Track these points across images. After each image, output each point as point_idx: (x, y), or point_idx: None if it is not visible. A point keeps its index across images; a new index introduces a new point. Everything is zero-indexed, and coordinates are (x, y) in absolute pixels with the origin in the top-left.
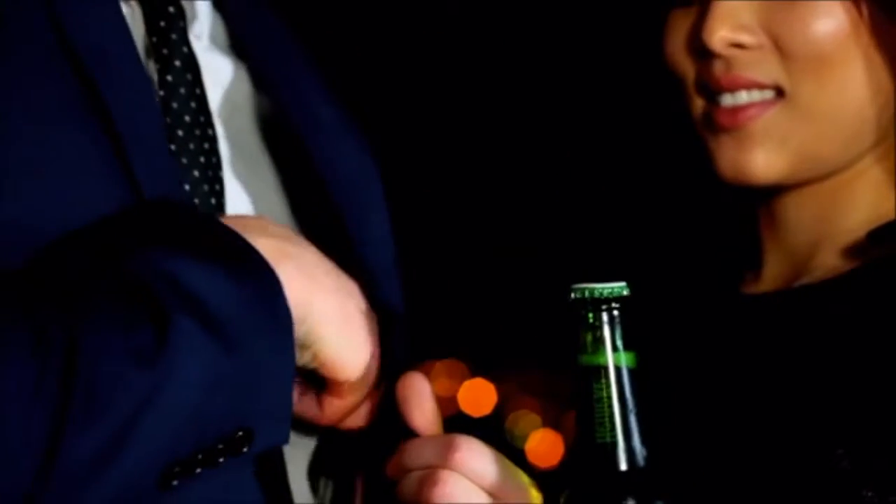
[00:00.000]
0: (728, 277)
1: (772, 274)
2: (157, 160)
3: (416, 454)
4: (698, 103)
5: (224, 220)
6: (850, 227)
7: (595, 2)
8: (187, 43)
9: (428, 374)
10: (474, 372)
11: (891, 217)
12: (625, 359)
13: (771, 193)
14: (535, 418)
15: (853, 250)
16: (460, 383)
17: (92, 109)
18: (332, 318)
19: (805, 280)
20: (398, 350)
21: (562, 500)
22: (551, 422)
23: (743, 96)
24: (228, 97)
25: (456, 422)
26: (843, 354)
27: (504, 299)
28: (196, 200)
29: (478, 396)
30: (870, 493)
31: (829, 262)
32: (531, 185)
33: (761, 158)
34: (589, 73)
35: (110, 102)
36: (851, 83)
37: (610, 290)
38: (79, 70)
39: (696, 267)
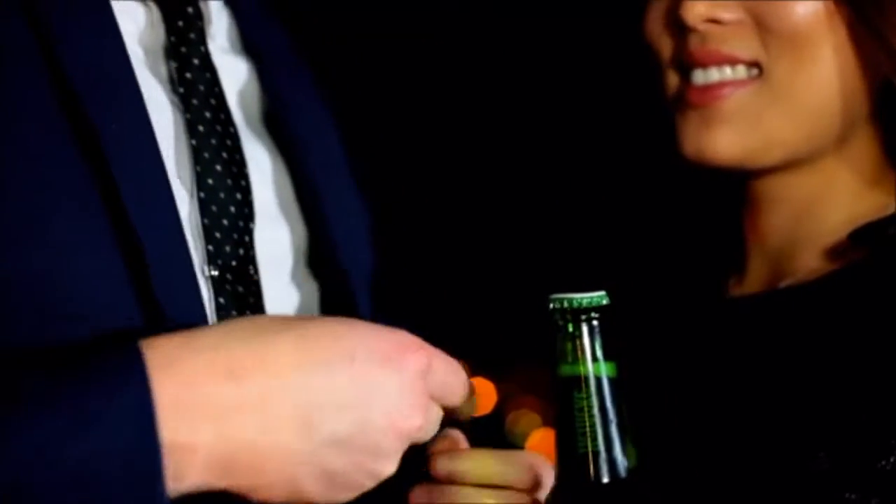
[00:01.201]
0: (712, 280)
1: (755, 276)
2: (146, 181)
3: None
4: (672, 80)
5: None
6: (830, 229)
7: None
8: (204, 43)
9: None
10: (475, 371)
11: (869, 217)
12: (605, 368)
13: (748, 189)
14: (534, 417)
15: (834, 251)
16: None
17: (80, 135)
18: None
19: (788, 282)
20: None
21: None
22: (551, 421)
23: (714, 74)
24: (243, 97)
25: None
26: (825, 356)
27: (504, 300)
28: (221, 195)
29: (478, 395)
30: (853, 496)
31: (811, 263)
32: (517, 186)
33: (725, 138)
34: (569, 75)
35: (100, 126)
36: (825, 67)
37: (589, 301)
38: (66, 90)
39: (679, 269)
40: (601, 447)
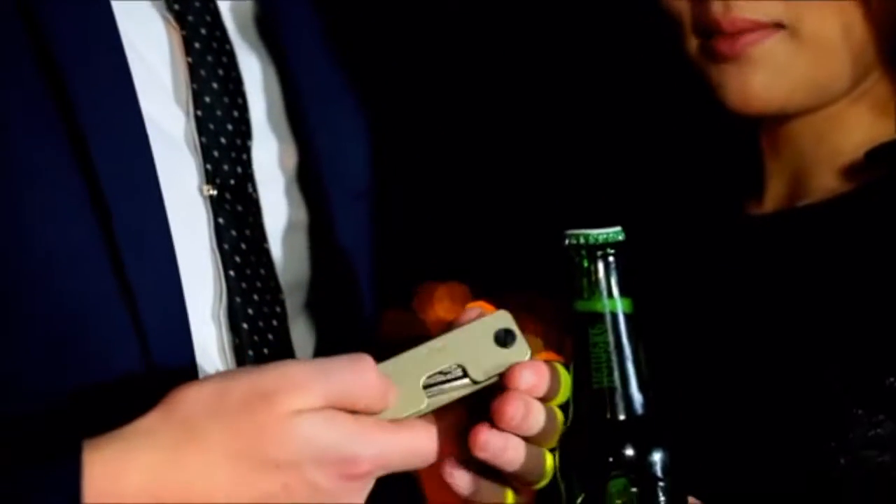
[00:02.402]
0: (730, 199)
1: (773, 196)
2: (124, 164)
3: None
4: (693, 42)
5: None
6: (849, 149)
7: None
8: (212, 14)
9: (430, 297)
10: (476, 295)
11: (885, 139)
12: (621, 304)
13: (773, 119)
14: (536, 342)
15: (852, 171)
16: (462, 306)
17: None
18: None
19: (805, 201)
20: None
21: (558, 444)
22: (553, 345)
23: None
24: (238, 13)
25: None
26: (841, 273)
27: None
28: (218, 113)
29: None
30: (860, 411)
31: (828, 183)
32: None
33: (764, 85)
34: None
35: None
36: (848, 17)
37: (605, 236)
38: (49, 68)
39: (697, 191)
40: (617, 383)
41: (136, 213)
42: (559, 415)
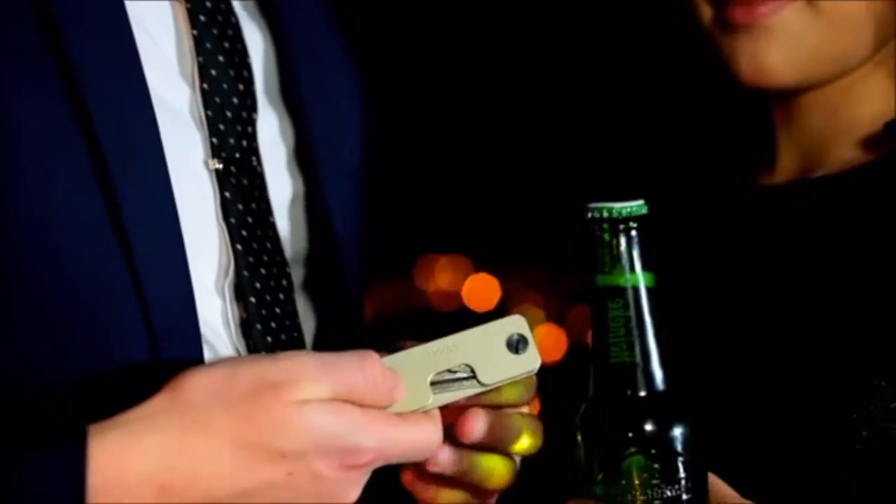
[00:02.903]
0: (741, 171)
1: (786, 166)
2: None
3: None
4: (707, 11)
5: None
6: (865, 120)
7: None
8: None
9: (432, 269)
10: (479, 266)
11: None
12: (643, 279)
13: (786, 91)
14: (538, 312)
15: (869, 142)
16: (464, 278)
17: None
18: None
19: (820, 172)
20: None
21: (577, 420)
22: (555, 316)
23: None
24: (250, 41)
25: (460, 316)
26: (856, 244)
27: (510, 194)
28: (224, 86)
29: (482, 291)
30: (882, 383)
31: (844, 154)
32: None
33: (778, 57)
34: None
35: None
36: None
37: (628, 210)
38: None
39: (709, 163)
40: (637, 358)
41: (141, 188)
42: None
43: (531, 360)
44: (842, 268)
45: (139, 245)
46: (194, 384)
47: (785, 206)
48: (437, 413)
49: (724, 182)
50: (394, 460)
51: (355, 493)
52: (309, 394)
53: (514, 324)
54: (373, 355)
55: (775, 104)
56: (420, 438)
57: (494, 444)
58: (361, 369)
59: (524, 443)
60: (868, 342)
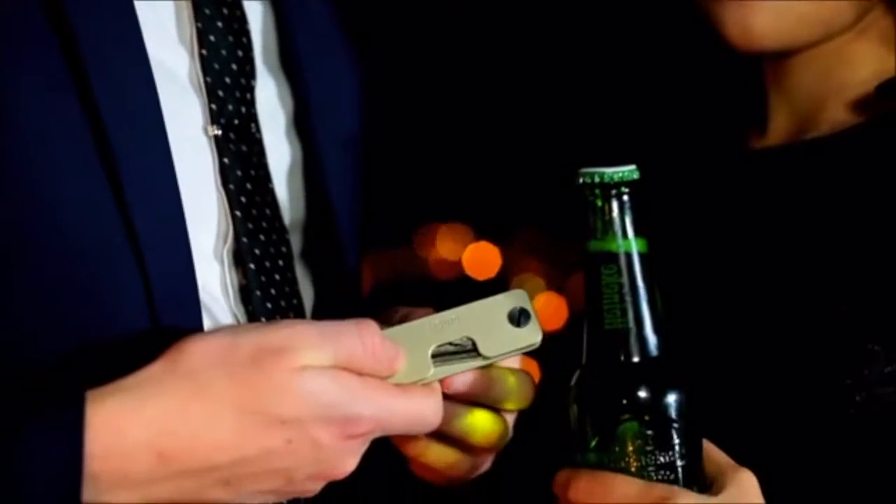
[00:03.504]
0: (733, 133)
1: (777, 129)
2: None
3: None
4: None
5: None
6: (857, 82)
7: None
8: None
9: (433, 237)
10: (479, 235)
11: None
12: (635, 244)
13: (777, 54)
14: (538, 281)
15: (861, 104)
16: (465, 246)
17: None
18: None
19: (813, 134)
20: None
21: (571, 387)
22: (555, 285)
23: None
24: (248, 7)
25: (460, 285)
26: (850, 206)
27: (508, 161)
28: (223, 52)
29: (482, 259)
30: (876, 347)
31: (836, 116)
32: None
33: (766, 21)
34: None
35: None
36: None
37: (620, 175)
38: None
39: (701, 123)
40: (630, 324)
41: (141, 154)
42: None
43: (533, 334)
44: (836, 230)
45: (138, 211)
46: (194, 350)
47: (777, 168)
48: (437, 386)
49: (716, 145)
50: (392, 431)
51: (353, 463)
52: (309, 360)
53: (516, 298)
54: (372, 324)
55: (767, 66)
56: (420, 410)
57: (479, 397)
58: (360, 338)
59: (512, 398)
60: (862, 306)
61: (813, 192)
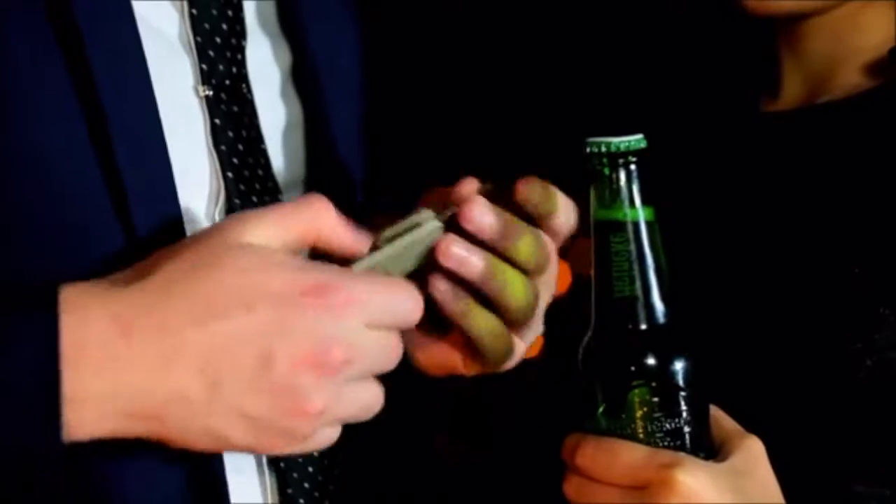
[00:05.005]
0: (746, 98)
1: (791, 93)
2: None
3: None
4: None
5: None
6: (870, 47)
7: None
8: None
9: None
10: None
11: None
12: (643, 213)
13: (789, 19)
14: None
15: (875, 68)
16: None
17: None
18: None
19: (825, 98)
20: None
21: (579, 355)
22: (559, 250)
23: None
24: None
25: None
26: (863, 171)
27: (516, 126)
28: (213, 12)
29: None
30: (886, 311)
31: (850, 80)
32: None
33: None
34: None
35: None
36: None
37: (627, 144)
38: None
39: (714, 89)
40: (639, 292)
41: (130, 114)
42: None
43: None
44: (848, 193)
45: (128, 171)
46: (158, 256)
47: (791, 132)
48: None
49: (729, 110)
50: (374, 314)
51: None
52: (259, 237)
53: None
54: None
55: (780, 31)
56: (395, 289)
57: (496, 242)
58: (313, 210)
59: (525, 243)
60: (874, 271)
61: (825, 156)
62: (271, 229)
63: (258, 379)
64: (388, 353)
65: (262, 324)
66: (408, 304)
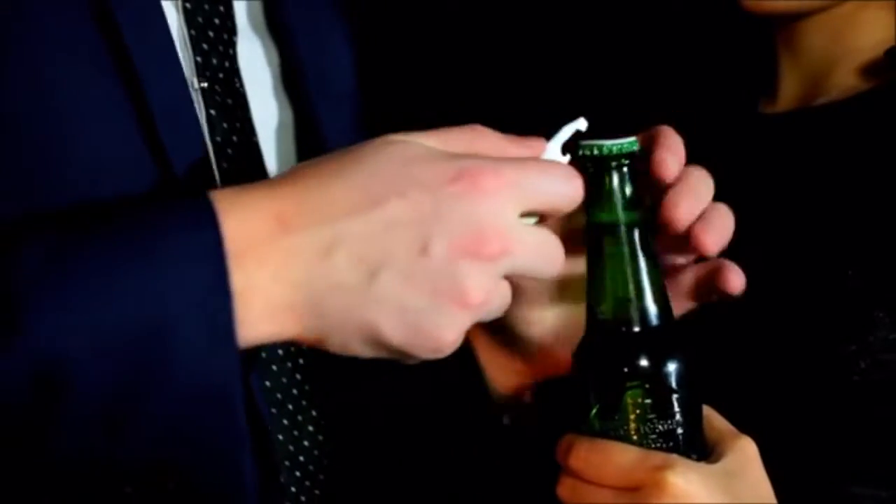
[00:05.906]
0: (744, 100)
1: (788, 95)
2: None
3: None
4: None
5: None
6: (867, 47)
7: None
8: None
9: None
10: None
11: None
12: (636, 215)
13: (787, 18)
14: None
15: (871, 69)
16: None
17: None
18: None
19: (822, 100)
20: None
21: (573, 356)
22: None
23: None
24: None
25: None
26: (859, 173)
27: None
28: (206, 6)
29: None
30: (881, 314)
31: (846, 81)
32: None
33: None
34: None
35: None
36: None
37: (619, 147)
38: None
39: (711, 90)
40: (632, 294)
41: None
42: None
43: None
44: (844, 195)
45: (171, 148)
46: (306, 162)
47: (788, 133)
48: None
49: (726, 111)
50: (528, 195)
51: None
52: (422, 146)
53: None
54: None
55: (777, 31)
56: (549, 168)
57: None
58: (480, 130)
59: None
60: (869, 273)
61: (821, 158)
62: (433, 141)
63: (415, 266)
64: (547, 255)
65: (415, 211)
66: (563, 185)
